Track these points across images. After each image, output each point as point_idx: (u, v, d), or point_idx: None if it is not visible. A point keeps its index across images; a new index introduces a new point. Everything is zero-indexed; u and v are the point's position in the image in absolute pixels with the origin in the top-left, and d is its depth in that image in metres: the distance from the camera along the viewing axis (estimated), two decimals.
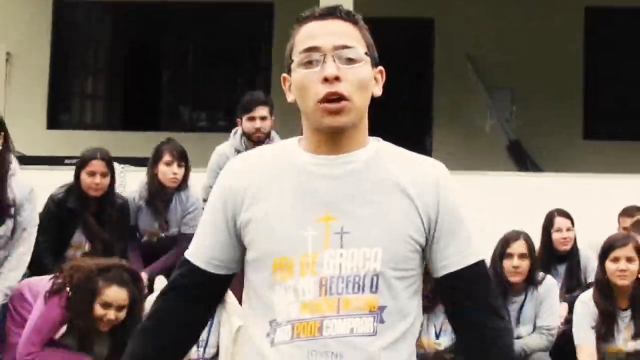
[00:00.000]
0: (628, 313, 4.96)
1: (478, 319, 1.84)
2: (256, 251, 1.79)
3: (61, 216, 5.53)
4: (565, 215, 6.33)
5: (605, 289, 5.03)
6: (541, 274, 5.72)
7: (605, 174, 6.59)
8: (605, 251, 5.08)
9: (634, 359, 5.09)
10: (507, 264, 5.32)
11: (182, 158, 6.12)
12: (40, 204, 5.23)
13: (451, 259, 1.81)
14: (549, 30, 10.73)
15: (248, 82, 6.96)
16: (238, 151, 5.92)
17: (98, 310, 4.27)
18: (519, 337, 5.50)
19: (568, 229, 6.03)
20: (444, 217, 1.80)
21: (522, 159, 8.01)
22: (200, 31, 10.88)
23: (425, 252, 1.81)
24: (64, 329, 4.51)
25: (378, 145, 1.87)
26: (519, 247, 5.41)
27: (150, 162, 6.15)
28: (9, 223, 4.79)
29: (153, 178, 6.09)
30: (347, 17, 1.84)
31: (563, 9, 10.98)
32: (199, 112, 8.31)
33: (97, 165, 5.46)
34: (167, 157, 6.06)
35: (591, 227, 6.19)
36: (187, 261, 1.88)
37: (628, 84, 7.68)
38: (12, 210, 4.77)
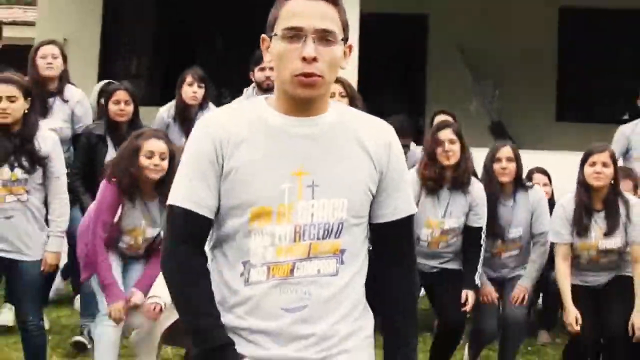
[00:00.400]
0: (602, 214, 5.18)
1: (404, 268, 2.08)
2: (234, 199, 1.90)
3: (90, 144, 5.84)
4: (543, 172, 6.75)
5: (583, 189, 5.26)
6: (529, 183, 6.04)
7: (574, 152, 6.99)
8: (585, 157, 5.30)
9: (603, 256, 5.24)
10: (496, 166, 5.54)
11: (201, 80, 6.63)
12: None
13: (387, 209, 2.02)
14: (528, 25, 11.03)
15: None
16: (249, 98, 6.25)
17: (144, 161, 4.54)
18: (513, 239, 5.71)
19: (545, 184, 6.22)
20: (392, 174, 2.00)
21: (503, 137, 8.49)
22: (234, 15, 11.10)
23: (375, 199, 2.00)
24: (129, 208, 4.74)
25: (339, 109, 2.06)
26: (506, 152, 5.61)
27: (177, 84, 6.66)
28: (39, 172, 4.93)
29: (179, 97, 6.58)
30: (331, 0, 1.94)
31: (540, 7, 11.21)
32: (225, 89, 8.86)
33: (121, 94, 5.78)
34: (189, 79, 6.55)
35: (563, 195, 6.28)
36: (191, 212, 1.94)
37: (594, 74, 8.11)
38: (45, 160, 4.92)
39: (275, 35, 1.92)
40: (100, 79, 10.32)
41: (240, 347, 1.94)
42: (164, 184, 4.42)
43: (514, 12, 10.87)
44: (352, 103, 5.23)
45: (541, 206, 5.72)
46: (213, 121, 2.05)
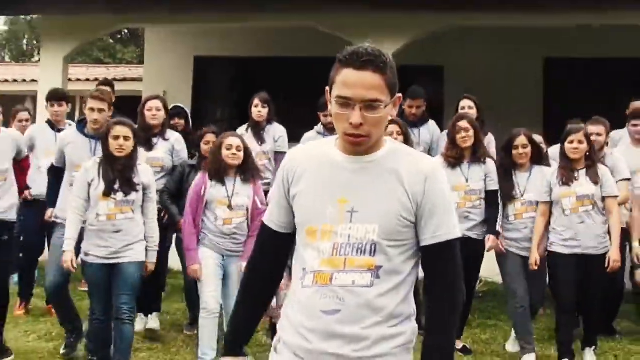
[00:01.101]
0: (583, 171, 5.71)
1: (440, 290, 2.14)
2: (298, 219, 2.18)
3: (184, 172, 6.34)
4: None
5: (564, 161, 5.84)
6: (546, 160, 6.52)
7: None
8: (565, 136, 5.88)
9: (581, 204, 5.67)
10: (514, 153, 6.08)
11: (265, 102, 7.38)
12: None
13: (429, 234, 2.10)
14: (519, 74, 11.88)
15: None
16: (319, 133, 7.07)
17: (225, 152, 5.36)
18: (530, 202, 6.07)
19: (524, 146, 6.21)
20: (426, 201, 2.08)
21: None
22: (291, 79, 11.92)
23: (416, 226, 2.10)
24: (216, 186, 5.43)
25: (392, 147, 2.18)
26: (521, 140, 6.09)
27: (249, 106, 7.48)
28: (141, 194, 5.38)
29: (250, 115, 7.39)
30: (378, 68, 2.03)
31: (527, 58, 12.00)
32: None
33: (210, 137, 6.20)
34: (255, 102, 7.37)
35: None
36: (266, 227, 2.31)
37: (576, 116, 8.00)
38: (141, 187, 5.37)
39: (332, 93, 2.11)
40: (193, 122, 11.23)
41: (293, 338, 2.16)
42: (242, 167, 5.39)
43: (504, 61, 11.79)
44: (407, 140, 6.12)
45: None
46: (289, 157, 2.32)
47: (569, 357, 5.76)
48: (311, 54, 11.16)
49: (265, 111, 7.22)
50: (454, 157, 5.99)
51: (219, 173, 5.33)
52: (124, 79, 15.18)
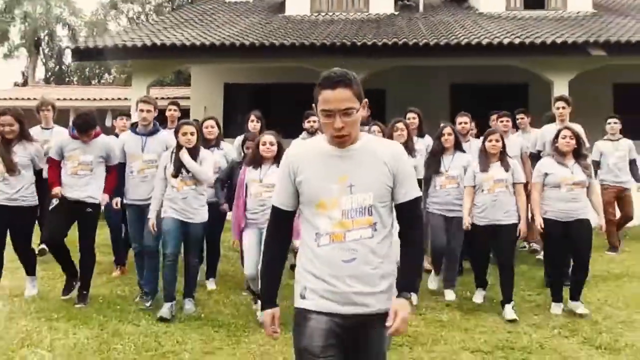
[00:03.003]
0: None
1: (410, 234, 2.42)
2: (306, 197, 2.41)
3: (233, 168, 6.13)
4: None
5: (484, 152, 5.88)
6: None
7: None
8: (486, 136, 5.97)
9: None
10: (442, 139, 6.21)
11: (258, 118, 7.20)
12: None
13: (401, 195, 2.39)
14: (434, 94, 13.45)
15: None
16: (303, 139, 7.24)
17: (261, 146, 5.35)
18: (452, 176, 6.09)
19: (449, 134, 6.26)
20: (399, 173, 2.38)
21: None
22: (288, 97, 12.54)
23: (393, 190, 2.39)
24: (250, 172, 5.34)
25: (367, 137, 2.47)
26: (447, 130, 6.27)
27: (245, 120, 7.36)
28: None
29: (246, 128, 7.18)
30: (345, 85, 2.28)
31: (435, 86, 13.93)
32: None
33: (249, 144, 5.91)
34: (251, 117, 7.25)
35: None
36: (276, 208, 2.51)
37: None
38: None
39: (318, 109, 2.34)
40: (223, 129, 12.57)
41: (319, 284, 2.36)
42: (275, 158, 5.28)
43: (420, 88, 13.01)
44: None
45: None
46: (290, 152, 2.52)
47: (483, 286, 6.07)
48: (301, 81, 11.66)
49: (258, 125, 7.32)
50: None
51: (255, 161, 5.38)
52: (175, 97, 14.64)
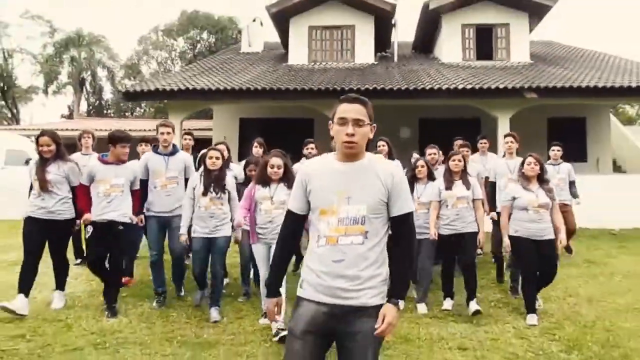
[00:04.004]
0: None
1: (402, 245, 2.36)
2: (313, 204, 2.39)
3: (240, 186, 5.86)
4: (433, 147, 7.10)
5: (449, 171, 5.74)
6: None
7: None
8: (449, 157, 5.84)
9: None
10: (416, 171, 6.02)
11: (260, 144, 7.06)
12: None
13: (395, 209, 2.34)
14: (394, 133, 13.63)
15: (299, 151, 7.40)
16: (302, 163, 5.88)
17: (269, 169, 4.95)
18: (423, 203, 5.83)
19: (422, 166, 6.06)
20: (394, 189, 2.33)
21: None
22: (291, 129, 13.00)
23: (388, 204, 2.33)
24: (260, 190, 4.99)
25: (370, 156, 2.39)
26: (420, 162, 6.08)
27: (250, 147, 7.22)
28: (227, 195, 5.31)
29: (251, 152, 7.05)
30: (362, 103, 2.34)
31: (406, 120, 14.58)
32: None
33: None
34: (255, 144, 7.12)
35: None
36: (290, 210, 2.48)
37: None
38: (227, 189, 5.30)
39: (334, 120, 2.32)
40: (239, 154, 13.31)
41: (313, 278, 2.33)
42: (282, 178, 4.97)
43: (387, 124, 13.50)
44: (390, 150, 6.71)
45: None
46: (303, 169, 2.48)
47: (451, 296, 5.80)
48: (301, 116, 13.66)
49: (260, 150, 7.09)
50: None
51: (264, 181, 5.01)
52: (199, 129, 16.09)
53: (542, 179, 5.52)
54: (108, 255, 5.46)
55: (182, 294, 6.02)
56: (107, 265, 5.48)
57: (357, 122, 2.29)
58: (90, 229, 5.31)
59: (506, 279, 6.78)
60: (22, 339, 4.64)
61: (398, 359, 4.32)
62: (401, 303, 2.30)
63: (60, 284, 5.71)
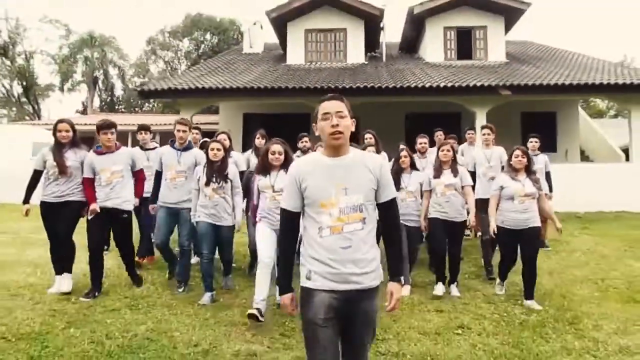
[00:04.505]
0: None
1: (391, 226, 2.44)
2: (311, 199, 2.35)
3: (247, 176, 5.79)
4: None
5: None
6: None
7: None
8: (439, 146, 5.78)
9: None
10: (400, 161, 5.75)
11: (262, 136, 6.96)
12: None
13: (383, 196, 2.38)
14: (391, 121, 13.99)
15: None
16: (298, 156, 6.12)
17: (270, 156, 4.76)
18: (410, 192, 5.66)
19: (405, 157, 5.83)
20: (382, 179, 2.37)
21: None
22: (289, 123, 12.69)
23: (377, 192, 2.37)
24: (261, 180, 4.80)
25: (355, 151, 2.41)
26: (404, 153, 5.82)
27: (252, 138, 7.09)
28: (229, 184, 5.19)
29: (254, 144, 7.02)
30: (339, 100, 2.37)
31: (394, 115, 14.70)
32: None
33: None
34: (257, 135, 7.01)
35: None
36: (285, 209, 2.42)
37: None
38: (229, 179, 5.17)
39: (318, 118, 2.34)
40: (242, 146, 13.79)
41: (322, 267, 2.30)
42: (282, 165, 4.75)
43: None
44: (377, 143, 6.27)
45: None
46: (294, 166, 2.45)
47: (442, 281, 5.63)
48: (298, 112, 13.54)
49: (263, 141, 6.97)
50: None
51: (265, 169, 4.82)
52: (206, 122, 16.87)
53: (529, 170, 5.40)
54: (116, 241, 5.44)
55: (181, 290, 5.51)
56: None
57: (339, 114, 2.32)
58: (94, 213, 5.19)
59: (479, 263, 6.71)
60: (68, 302, 5.10)
61: (383, 319, 4.58)
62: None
63: (67, 266, 5.42)
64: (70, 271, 5.45)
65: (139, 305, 5.09)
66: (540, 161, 7.86)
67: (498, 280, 5.69)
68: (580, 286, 6.00)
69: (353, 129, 2.39)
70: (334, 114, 2.30)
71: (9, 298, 5.18)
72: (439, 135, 8.24)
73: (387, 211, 2.42)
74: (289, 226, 2.43)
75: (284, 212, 2.43)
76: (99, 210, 5.14)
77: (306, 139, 7.31)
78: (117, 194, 5.26)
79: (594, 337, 4.41)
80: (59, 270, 5.36)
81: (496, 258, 5.89)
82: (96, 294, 5.27)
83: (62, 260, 5.33)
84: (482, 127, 7.28)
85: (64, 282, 5.38)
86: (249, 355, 3.92)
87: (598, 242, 8.61)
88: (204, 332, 4.34)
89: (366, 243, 2.32)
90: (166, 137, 12.87)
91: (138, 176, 5.58)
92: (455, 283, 5.67)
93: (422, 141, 7.24)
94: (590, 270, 6.72)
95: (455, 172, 5.61)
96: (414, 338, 4.31)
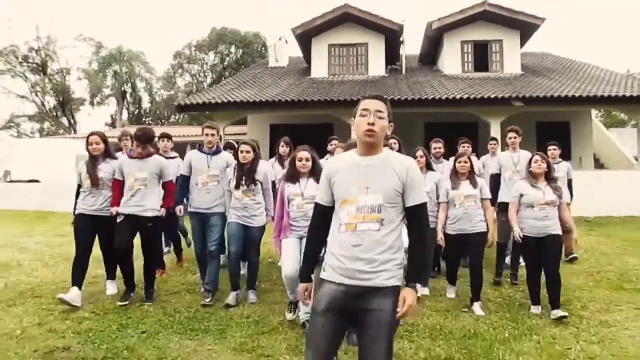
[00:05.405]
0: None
1: (416, 233, 2.32)
2: (336, 195, 2.37)
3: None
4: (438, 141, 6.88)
5: (455, 172, 5.48)
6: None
7: None
8: (456, 158, 5.57)
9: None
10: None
11: (287, 143, 6.92)
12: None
13: (409, 200, 2.30)
14: (413, 130, 14.50)
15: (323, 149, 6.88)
16: (327, 159, 6.05)
17: (298, 163, 4.68)
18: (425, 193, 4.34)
19: (421, 156, 5.75)
20: (408, 182, 2.30)
21: None
22: (313, 131, 12.65)
23: (403, 195, 2.31)
24: (290, 187, 4.68)
25: (387, 152, 2.38)
26: (420, 152, 5.78)
27: (276, 146, 7.03)
28: (259, 186, 5.22)
29: (277, 151, 6.89)
30: (382, 99, 2.35)
31: (416, 124, 15.04)
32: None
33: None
34: (281, 143, 6.98)
35: None
36: (317, 203, 2.47)
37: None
38: (258, 181, 5.19)
39: (357, 113, 2.34)
40: (270, 154, 13.41)
41: (334, 262, 2.31)
42: (310, 173, 4.65)
43: (399, 128, 11.09)
44: (401, 149, 5.98)
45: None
46: (329, 164, 2.48)
47: (454, 283, 5.67)
48: (322, 122, 14.24)
49: (287, 149, 7.01)
50: None
51: (293, 177, 4.68)
52: (236, 133, 17.30)
53: (549, 177, 5.21)
54: (142, 250, 5.37)
55: (209, 300, 5.35)
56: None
57: (378, 114, 2.32)
58: (120, 217, 5.21)
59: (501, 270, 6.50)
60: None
61: None
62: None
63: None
64: (113, 277, 5.68)
65: (195, 289, 5.92)
66: (562, 169, 7.50)
67: (532, 306, 5.31)
68: (578, 277, 6.52)
69: (389, 133, 2.41)
70: (373, 112, 2.31)
71: (89, 285, 5.88)
72: (465, 146, 7.41)
73: (414, 217, 2.34)
74: (320, 219, 2.47)
75: (317, 206, 2.49)
76: (114, 214, 5.19)
77: (335, 141, 7.26)
78: (137, 202, 5.20)
79: (580, 314, 5.13)
80: (77, 282, 5.19)
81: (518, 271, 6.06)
82: (131, 294, 5.38)
83: (84, 271, 5.26)
84: (508, 130, 7.04)
85: (110, 287, 5.67)
86: (291, 322, 4.72)
87: (600, 242, 8.98)
88: (252, 308, 5.24)
89: (382, 244, 2.28)
90: (185, 147, 13.79)
91: (167, 187, 5.47)
92: (479, 302, 5.31)
93: (436, 146, 6.98)
94: (588, 265, 7.20)
95: (474, 184, 5.46)
96: (427, 314, 5.07)
